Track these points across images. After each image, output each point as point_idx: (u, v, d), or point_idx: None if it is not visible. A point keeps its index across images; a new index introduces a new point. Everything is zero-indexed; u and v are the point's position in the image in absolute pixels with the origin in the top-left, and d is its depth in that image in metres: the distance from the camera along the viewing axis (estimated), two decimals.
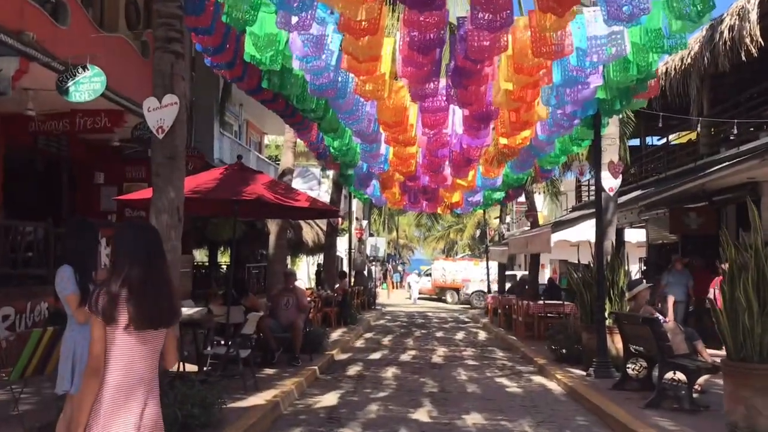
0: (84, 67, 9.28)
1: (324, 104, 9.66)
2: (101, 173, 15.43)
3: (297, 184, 23.49)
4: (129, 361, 2.94)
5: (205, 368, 8.57)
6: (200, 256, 24.11)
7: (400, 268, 51.21)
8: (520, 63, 7.08)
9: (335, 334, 15.38)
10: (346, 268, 24.06)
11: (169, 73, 6.48)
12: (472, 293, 32.57)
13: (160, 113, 6.40)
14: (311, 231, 21.30)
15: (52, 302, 10.11)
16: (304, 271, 34.16)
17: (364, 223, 30.72)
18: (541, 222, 22.89)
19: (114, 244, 3.02)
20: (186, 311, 9.28)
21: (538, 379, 10.59)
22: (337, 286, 19.11)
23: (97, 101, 11.17)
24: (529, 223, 23.85)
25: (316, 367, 10.48)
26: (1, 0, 8.99)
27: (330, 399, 8.69)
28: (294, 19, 6.40)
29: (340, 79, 8.25)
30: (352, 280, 23.13)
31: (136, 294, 2.92)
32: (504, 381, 10.39)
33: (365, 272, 28.72)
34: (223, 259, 24.13)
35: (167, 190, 6.41)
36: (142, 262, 3.00)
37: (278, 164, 21.62)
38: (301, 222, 19.62)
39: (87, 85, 9.29)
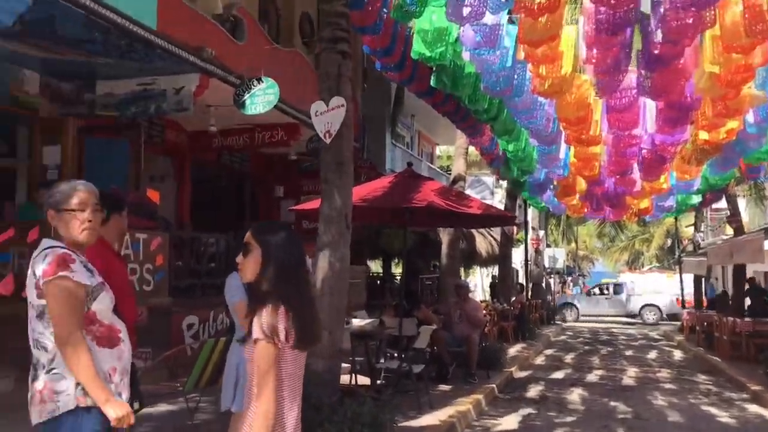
0: (258, 80, 9.39)
1: (498, 103, 9.04)
2: (281, 187, 15.86)
3: (469, 194, 22.95)
4: (292, 382, 2.60)
5: (378, 381, 8.25)
6: (375, 267, 24.29)
7: (580, 281, 48.91)
8: (730, 42, 6.05)
9: (513, 350, 14.59)
10: (521, 281, 23.10)
11: (336, 74, 6.22)
12: (642, 307, 30.10)
13: (327, 117, 6.15)
14: (484, 241, 20.62)
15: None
16: (478, 282, 33.47)
17: (541, 233, 29.49)
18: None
19: (262, 248, 2.64)
20: (358, 323, 9.04)
21: (753, 408, 9.18)
22: (514, 299, 18.27)
23: (273, 115, 11.39)
24: (729, 231, 21.51)
25: (494, 386, 9.83)
26: (184, 19, 9.33)
27: (510, 422, 8.00)
28: (466, 10, 5.89)
29: (516, 75, 7.61)
30: (529, 293, 22.13)
31: (295, 309, 2.56)
32: (711, 409, 9.11)
33: (543, 284, 27.49)
34: (397, 270, 24.14)
35: (335, 197, 6.13)
36: (296, 271, 2.64)
37: (450, 174, 21.27)
38: (474, 232, 19.01)
39: (262, 97, 9.39)
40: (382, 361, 8.47)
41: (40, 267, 2.81)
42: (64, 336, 2.75)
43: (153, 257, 8.88)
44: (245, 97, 9.42)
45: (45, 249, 2.89)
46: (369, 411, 5.75)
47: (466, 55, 7.01)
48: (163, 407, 6.99)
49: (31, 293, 2.84)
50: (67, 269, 2.81)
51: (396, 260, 22.68)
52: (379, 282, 21.22)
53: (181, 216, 12.80)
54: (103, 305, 2.94)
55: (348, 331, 7.32)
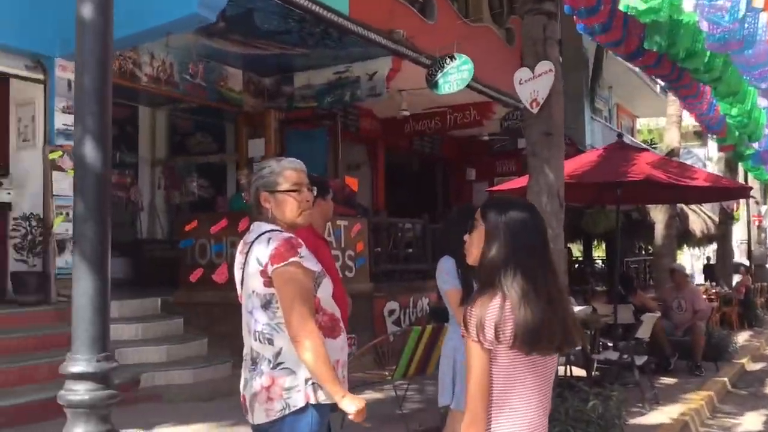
0: (451, 57, 9.04)
1: (722, 61, 7.93)
2: (472, 169, 15.48)
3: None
4: (527, 394, 2.11)
5: (593, 373, 7.59)
6: (575, 250, 23.15)
7: None
8: None
9: (740, 339, 13.04)
10: (739, 261, 20.82)
11: (542, 37, 5.65)
12: None
13: (534, 84, 5.61)
14: (698, 219, 18.76)
15: (434, 299, 10.14)
16: (687, 264, 30.87)
17: (764, 208, 26.47)
18: None
19: (486, 226, 2.18)
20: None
21: None
22: (736, 281, 16.44)
23: (464, 95, 11.02)
24: None
25: (725, 379, 8.72)
26: (374, 1, 9.22)
27: (752, 422, 6.98)
28: None
29: (746, 25, 6.57)
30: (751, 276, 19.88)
31: (519, 301, 2.05)
32: None
33: (766, 266, 24.66)
34: (597, 252, 22.79)
35: (545, 172, 5.58)
36: (533, 255, 2.12)
37: (654, 148, 19.60)
38: (686, 209, 17.35)
39: (455, 75, 9.03)
40: (599, 352, 7.77)
41: (265, 252, 2.54)
42: (299, 327, 2.48)
43: (354, 243, 8.87)
44: (438, 77, 9.12)
45: (264, 233, 2.63)
46: (593, 408, 5.17)
47: (687, 5, 6.13)
48: (370, 394, 6.88)
49: (254, 281, 2.59)
50: (296, 254, 2.53)
51: (596, 242, 21.42)
52: (578, 266, 20.17)
53: (377, 202, 12.86)
54: (325, 293, 2.68)
55: None
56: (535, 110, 5.59)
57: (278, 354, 2.56)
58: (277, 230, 2.64)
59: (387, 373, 5.69)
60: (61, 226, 7.30)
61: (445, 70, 9.04)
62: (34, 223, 7.04)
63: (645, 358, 7.29)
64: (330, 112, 9.74)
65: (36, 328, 6.55)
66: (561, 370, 7.00)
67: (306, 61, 9.51)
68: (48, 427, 5.61)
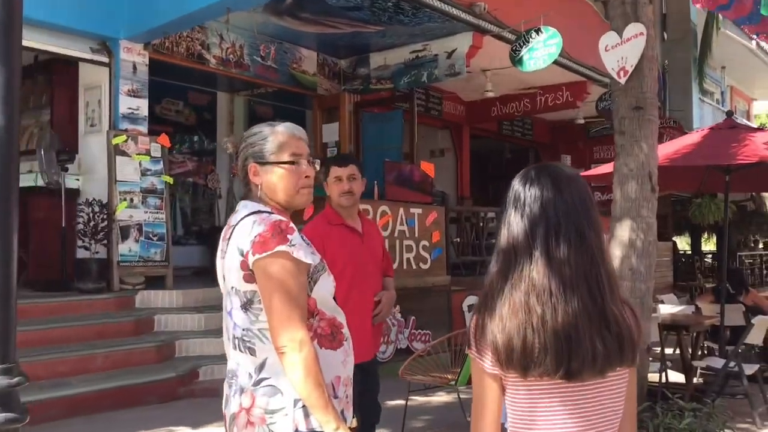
0: (537, 31, 8.26)
1: None
2: (567, 156, 14.51)
3: None
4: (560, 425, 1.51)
5: (694, 380, 6.72)
6: (682, 243, 21.62)
7: None
8: None
9: None
10: None
11: None
12: None
13: (621, 50, 4.85)
14: None
15: None
16: None
17: None
18: None
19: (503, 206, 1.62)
20: (667, 309, 7.53)
21: None
22: None
23: (556, 74, 10.20)
24: None
25: None
26: None
27: None
28: None
29: None
30: None
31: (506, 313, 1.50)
32: None
33: None
34: (708, 246, 21.17)
35: (634, 151, 4.82)
36: (549, 239, 1.52)
37: None
38: None
39: (542, 51, 8.25)
40: (701, 360, 6.88)
41: (247, 239, 2.00)
42: (285, 334, 1.93)
43: (429, 233, 8.30)
44: (522, 52, 8.36)
45: (249, 215, 2.08)
46: (689, 426, 4.41)
47: None
48: (440, 397, 6.34)
49: (233, 275, 2.05)
50: (285, 241, 1.97)
51: (706, 235, 19.88)
52: (686, 260, 18.75)
53: (461, 190, 12.22)
54: (324, 291, 2.10)
55: (656, 320, 5.94)
56: (622, 80, 4.83)
57: (261, 367, 2.02)
58: (266, 212, 2.09)
59: (450, 376, 5.10)
60: (125, 212, 7.13)
61: (530, 45, 8.28)
62: (96, 209, 6.90)
63: (756, 366, 6.35)
64: (407, 93, 9.19)
65: (94, 317, 6.38)
66: (655, 377, 6.20)
67: (382, 41, 8.99)
68: (98, 419, 5.42)
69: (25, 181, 7.06)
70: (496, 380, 1.52)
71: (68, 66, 7.62)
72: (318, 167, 2.22)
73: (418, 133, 12.74)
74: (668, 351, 7.05)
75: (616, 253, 4.81)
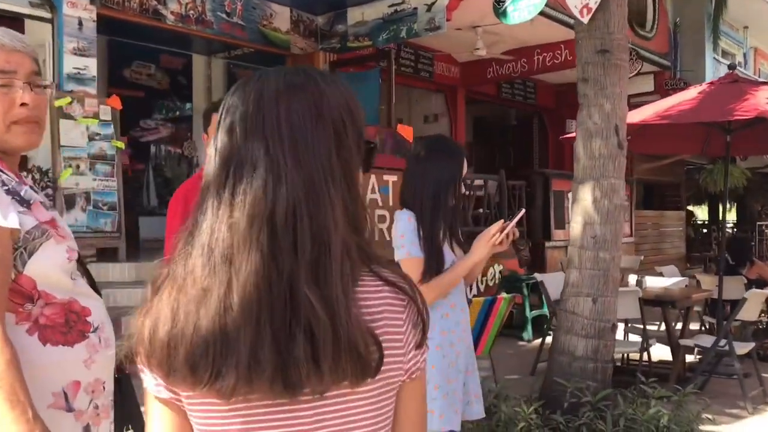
0: None
1: None
2: (573, 121, 13.77)
3: None
4: None
5: (690, 358, 6.12)
6: (701, 213, 20.77)
7: None
8: None
9: None
10: None
11: None
12: None
13: None
14: None
15: (509, 265, 8.87)
16: None
17: None
18: None
19: None
20: (658, 282, 6.91)
21: None
22: None
23: (554, 31, 9.46)
24: None
25: None
26: None
27: None
28: None
29: None
30: None
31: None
32: None
33: None
34: (729, 216, 20.34)
35: (599, 101, 4.19)
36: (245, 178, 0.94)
37: None
38: None
39: (526, 0, 7.56)
40: (696, 334, 6.26)
41: None
42: None
43: None
44: (506, 3, 7.67)
45: None
46: (654, 416, 3.83)
47: None
48: None
49: None
50: None
51: (729, 204, 19.02)
52: (704, 230, 17.96)
53: None
54: (47, 264, 1.53)
55: (635, 295, 5.32)
56: (585, 19, 4.19)
57: None
58: None
59: None
60: (70, 180, 6.64)
61: None
62: (37, 176, 6.41)
63: (751, 345, 5.72)
64: (384, 50, 8.54)
65: None
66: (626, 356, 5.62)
67: None
68: None
69: None
70: (170, 407, 0.97)
71: (14, 24, 7.09)
72: (49, 92, 1.65)
73: (407, 96, 12.14)
74: (652, 328, 6.44)
75: (577, 219, 4.20)
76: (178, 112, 10.26)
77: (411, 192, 2.71)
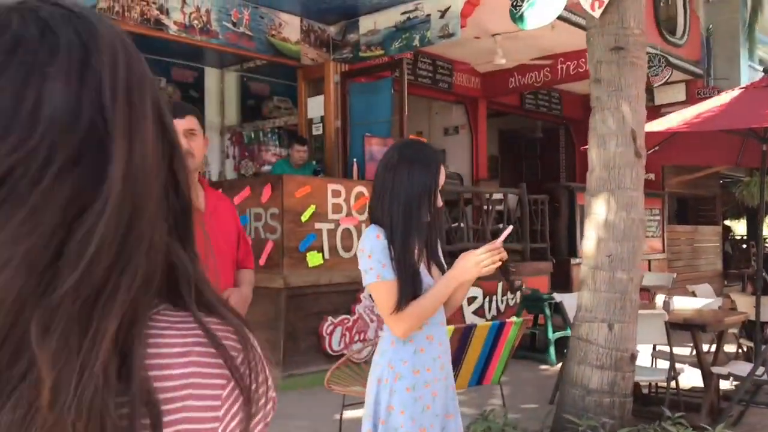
0: None
1: None
2: None
3: None
4: None
5: (718, 390, 5.58)
6: (739, 227, 19.98)
7: None
8: None
9: None
10: None
11: None
12: None
13: None
14: None
15: (532, 284, 8.39)
16: None
17: None
18: None
19: None
20: (688, 303, 6.38)
21: None
22: None
23: (578, 38, 9.00)
24: None
25: None
26: None
27: None
28: None
29: None
30: None
31: None
32: None
33: None
34: None
35: (613, 103, 3.76)
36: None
37: None
38: None
39: (544, 4, 7.15)
40: (731, 360, 5.72)
41: None
42: None
43: None
44: (523, 8, 7.27)
45: None
46: None
47: None
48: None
49: None
50: None
51: None
52: (743, 246, 17.21)
53: (477, 170, 11.15)
54: None
55: (661, 318, 4.83)
56: (597, 13, 3.77)
57: None
58: None
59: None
60: None
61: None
62: None
63: None
64: (396, 59, 8.19)
65: None
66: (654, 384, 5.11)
67: (371, 1, 8.03)
68: None
69: None
70: None
71: None
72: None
73: (428, 108, 11.77)
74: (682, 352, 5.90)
75: (590, 235, 3.76)
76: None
77: (380, 206, 2.31)
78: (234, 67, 10.08)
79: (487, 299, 8.12)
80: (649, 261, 11.14)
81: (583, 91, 12.00)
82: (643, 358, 6.09)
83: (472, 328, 4.31)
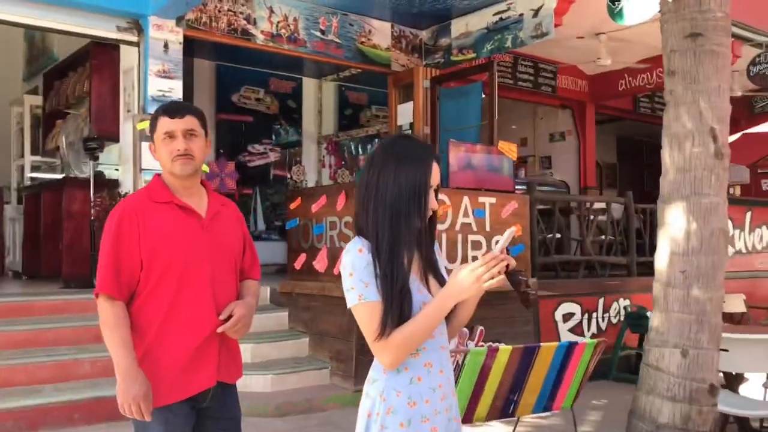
0: None
1: None
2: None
3: None
4: None
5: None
6: None
7: None
8: None
9: None
10: None
11: None
12: None
13: None
14: None
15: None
16: None
17: None
18: None
19: None
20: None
21: None
22: None
23: None
24: None
25: None
26: None
27: None
28: None
29: None
30: None
31: None
32: None
33: None
34: None
35: (689, 98, 3.29)
36: None
37: None
38: None
39: None
40: None
41: None
42: None
43: (506, 227, 6.90)
44: (621, 2, 6.73)
45: None
46: None
47: None
48: None
49: None
50: None
51: None
52: None
53: (584, 178, 10.52)
54: None
55: (738, 345, 4.21)
56: None
57: None
58: None
59: None
60: None
61: None
62: (110, 202, 6.37)
63: None
64: (487, 61, 7.83)
65: (87, 318, 5.75)
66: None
67: (463, 3, 7.75)
68: None
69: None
70: None
71: (110, 50, 7.22)
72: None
73: (532, 113, 11.27)
74: None
75: (663, 247, 3.31)
76: (287, 136, 10.13)
77: (363, 213, 2.01)
78: (331, 77, 10.10)
79: (585, 316, 7.57)
80: None
81: None
82: (753, 388, 5.41)
83: (534, 349, 3.93)
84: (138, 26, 6.78)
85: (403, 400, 1.91)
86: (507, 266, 1.89)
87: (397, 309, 1.86)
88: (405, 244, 1.94)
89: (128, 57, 7.03)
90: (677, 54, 3.31)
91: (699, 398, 3.21)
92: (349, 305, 1.92)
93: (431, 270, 2.06)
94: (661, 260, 3.33)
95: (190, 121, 2.47)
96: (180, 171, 2.43)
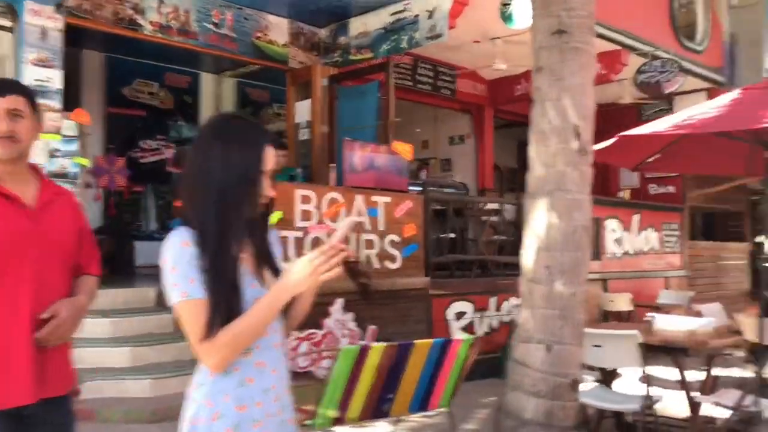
0: None
1: None
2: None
3: None
4: None
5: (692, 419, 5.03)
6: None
7: None
8: None
9: None
10: None
11: None
12: None
13: None
14: None
15: None
16: None
17: None
18: None
19: None
20: (679, 324, 5.82)
21: None
22: None
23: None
24: None
25: None
26: None
27: None
28: None
29: None
30: None
31: None
32: None
33: None
34: None
35: (555, 93, 3.32)
36: None
37: None
38: None
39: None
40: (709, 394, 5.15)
41: None
42: None
43: (400, 226, 6.91)
44: (511, 6, 6.86)
45: None
46: None
47: None
48: None
49: None
50: None
51: None
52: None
53: (482, 180, 10.68)
54: None
55: (633, 340, 4.33)
56: None
57: None
58: None
59: (306, 411, 3.74)
60: None
61: None
62: None
63: None
64: (382, 62, 7.83)
65: None
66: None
67: (360, 1, 7.70)
68: None
69: None
70: None
71: None
72: None
73: (433, 116, 11.36)
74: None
75: (529, 243, 3.32)
76: (183, 133, 9.81)
77: (188, 201, 1.87)
78: (230, 72, 9.87)
79: (478, 315, 7.65)
80: (666, 278, 10.53)
81: (597, 100, 11.48)
82: (626, 383, 5.57)
83: (409, 346, 3.88)
84: (12, 10, 6.38)
85: (231, 403, 1.78)
86: (348, 258, 1.80)
87: (225, 306, 1.73)
88: (234, 235, 1.81)
89: (1, 43, 6.62)
90: (545, 50, 3.35)
91: (562, 393, 3.25)
92: (172, 302, 1.77)
93: (266, 262, 1.94)
94: (527, 256, 3.36)
95: (13, 100, 2.26)
96: (1, 154, 2.23)
